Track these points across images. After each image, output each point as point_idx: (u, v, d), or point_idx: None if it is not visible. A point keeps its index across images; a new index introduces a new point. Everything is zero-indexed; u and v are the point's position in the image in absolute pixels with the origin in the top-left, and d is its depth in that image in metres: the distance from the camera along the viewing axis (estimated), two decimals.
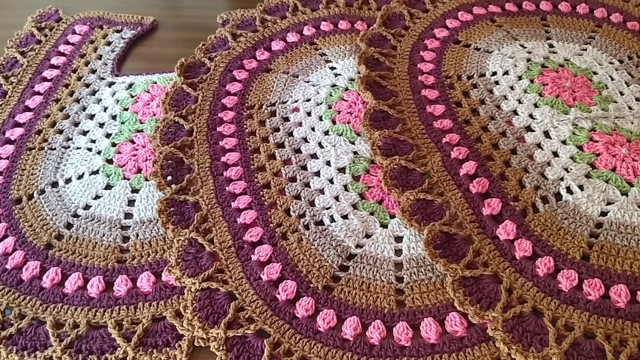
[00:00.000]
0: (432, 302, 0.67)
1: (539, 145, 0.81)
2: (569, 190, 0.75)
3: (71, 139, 0.90)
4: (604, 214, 0.73)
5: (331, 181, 0.80)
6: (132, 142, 0.88)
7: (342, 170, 0.81)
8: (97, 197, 0.82)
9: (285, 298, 0.67)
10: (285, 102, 0.92)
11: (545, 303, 0.64)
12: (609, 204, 0.74)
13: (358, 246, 0.73)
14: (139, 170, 0.84)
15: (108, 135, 0.90)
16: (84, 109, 0.95)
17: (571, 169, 0.77)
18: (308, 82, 0.95)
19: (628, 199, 0.74)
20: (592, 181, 0.76)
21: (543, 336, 0.62)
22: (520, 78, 0.91)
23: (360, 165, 0.81)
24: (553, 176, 0.77)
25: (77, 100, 0.97)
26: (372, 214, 0.76)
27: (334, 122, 0.88)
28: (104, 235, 0.77)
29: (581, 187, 0.75)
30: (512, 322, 0.63)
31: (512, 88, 0.90)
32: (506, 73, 0.92)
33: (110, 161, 0.86)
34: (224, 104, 0.92)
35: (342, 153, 0.83)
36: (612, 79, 0.91)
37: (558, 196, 0.75)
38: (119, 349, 0.66)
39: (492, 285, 0.66)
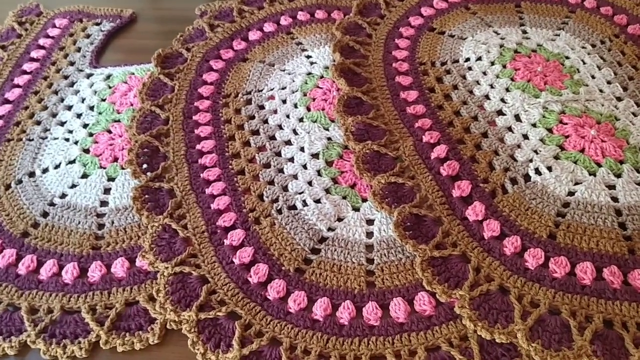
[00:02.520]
0: (401, 283, 0.68)
1: (509, 129, 0.82)
2: (537, 172, 0.76)
3: (49, 130, 0.91)
4: (571, 193, 0.74)
5: (305, 167, 0.81)
6: (109, 132, 0.89)
7: (315, 155, 0.82)
8: (73, 186, 0.83)
9: (257, 281, 0.68)
10: (261, 90, 0.93)
11: (512, 281, 0.65)
12: (576, 184, 0.75)
13: (330, 229, 0.74)
14: (116, 160, 0.85)
15: (85, 126, 0.91)
16: (62, 100, 0.96)
17: (540, 151, 0.78)
18: (284, 70, 0.96)
19: (596, 179, 0.75)
20: (560, 162, 0.77)
21: (509, 313, 0.63)
22: (492, 63, 0.92)
23: (333, 151, 0.82)
24: (522, 158, 0.78)
25: (56, 92, 0.98)
26: (344, 197, 0.77)
27: (308, 109, 0.89)
28: (79, 222, 0.78)
29: (549, 168, 0.76)
30: (479, 300, 0.64)
31: (484, 73, 0.91)
32: (479, 59, 0.93)
33: (87, 151, 0.87)
34: (200, 93, 0.93)
35: (316, 139, 0.84)
36: (584, 63, 0.92)
37: (527, 177, 0.76)
38: (92, 332, 0.67)
39: (461, 264, 0.67)
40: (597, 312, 0.63)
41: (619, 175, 0.75)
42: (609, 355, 0.59)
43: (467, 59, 0.94)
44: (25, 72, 1.02)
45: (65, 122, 0.92)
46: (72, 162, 0.86)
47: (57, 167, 0.85)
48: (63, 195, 0.81)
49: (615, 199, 0.73)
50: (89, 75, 1.00)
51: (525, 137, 0.81)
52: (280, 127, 0.87)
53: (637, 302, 0.63)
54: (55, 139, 0.89)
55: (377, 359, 0.62)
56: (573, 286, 0.65)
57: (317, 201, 0.77)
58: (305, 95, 0.91)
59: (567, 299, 0.64)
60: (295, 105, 0.89)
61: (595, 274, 0.66)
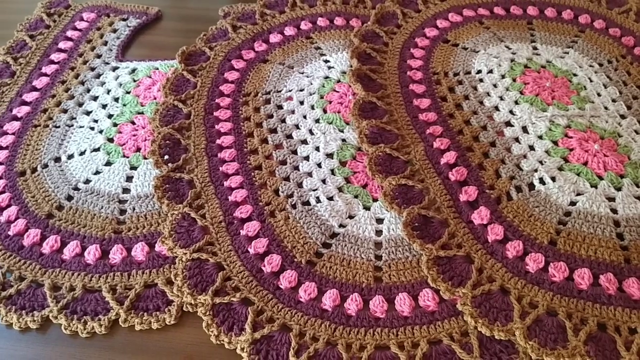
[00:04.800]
0: (407, 279, 0.71)
1: (516, 139, 0.86)
2: (541, 181, 0.80)
3: (75, 118, 0.95)
4: (573, 203, 0.77)
5: (319, 165, 0.84)
6: (133, 123, 0.93)
7: (330, 155, 0.86)
8: (97, 173, 0.86)
9: (270, 270, 0.72)
10: (280, 91, 0.97)
11: (513, 282, 0.69)
12: (578, 194, 0.78)
13: (341, 226, 0.77)
14: (138, 149, 0.89)
15: (110, 116, 0.95)
16: (88, 90, 1.00)
17: (545, 162, 0.82)
18: (302, 73, 1.00)
19: (597, 191, 0.78)
20: (564, 173, 0.80)
21: (508, 312, 0.66)
22: (503, 77, 0.96)
23: (347, 152, 0.86)
24: (528, 168, 0.81)
25: (82, 83, 1.01)
26: (356, 196, 0.81)
27: (325, 111, 0.92)
28: (102, 207, 0.81)
29: (553, 179, 0.80)
30: (481, 299, 0.67)
31: (495, 86, 0.95)
32: (490, 72, 0.97)
33: (111, 140, 0.91)
34: (222, 90, 0.97)
35: (331, 140, 0.87)
36: (591, 81, 0.95)
37: (531, 186, 0.79)
38: (111, 311, 0.70)
39: (464, 265, 0.70)
40: (592, 315, 0.66)
41: (619, 189, 0.79)
42: (602, 356, 0.63)
43: (479, 71, 0.98)
44: (52, 62, 1.06)
45: (90, 112, 0.96)
46: (96, 150, 0.89)
47: (82, 154, 0.89)
48: (87, 181, 0.85)
49: (614, 211, 0.76)
50: (114, 68, 1.04)
51: (532, 148, 0.84)
52: (297, 126, 0.91)
53: (630, 308, 0.67)
54: (81, 127, 0.93)
55: (381, 349, 0.65)
56: (570, 290, 0.68)
57: (330, 198, 0.80)
58: (322, 97, 0.95)
59: (564, 301, 0.67)
60: (312, 107, 0.93)
61: (592, 280, 0.69)
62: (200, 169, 0.84)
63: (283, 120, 0.92)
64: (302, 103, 0.94)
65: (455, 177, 0.80)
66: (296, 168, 0.84)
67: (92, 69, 1.04)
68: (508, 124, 0.89)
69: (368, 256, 0.74)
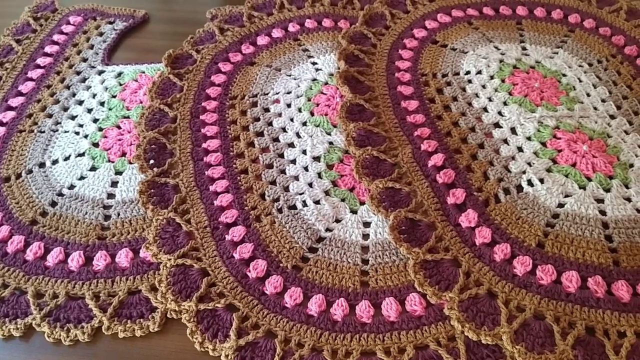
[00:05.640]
0: (394, 283, 0.71)
1: (505, 141, 0.85)
2: (529, 183, 0.79)
3: (60, 123, 0.94)
4: (561, 205, 0.76)
5: (306, 169, 0.84)
6: (118, 127, 0.92)
7: (317, 159, 0.85)
8: (81, 178, 0.85)
9: (255, 276, 0.71)
10: (267, 93, 0.96)
11: (500, 286, 0.68)
12: (566, 196, 0.78)
13: (328, 230, 0.76)
14: (124, 154, 0.88)
15: (95, 120, 0.94)
16: (74, 95, 0.99)
17: (533, 163, 0.81)
18: (290, 75, 0.99)
19: (585, 193, 0.78)
20: (552, 175, 0.80)
21: (496, 316, 0.65)
22: (492, 77, 0.95)
23: (334, 155, 0.85)
24: (516, 169, 0.81)
25: (68, 87, 1.01)
26: (343, 200, 0.80)
27: (312, 114, 0.92)
28: (86, 213, 0.80)
29: (542, 180, 0.79)
30: (468, 303, 0.66)
31: (483, 87, 0.94)
32: (479, 72, 0.96)
33: (96, 145, 0.90)
34: (208, 93, 0.96)
35: (318, 143, 0.87)
36: (581, 81, 0.95)
37: (519, 188, 0.79)
38: (95, 318, 0.69)
39: (452, 268, 0.70)
40: (580, 319, 0.65)
41: (608, 190, 0.78)
42: None
43: (468, 72, 0.97)
44: (38, 67, 1.05)
45: (76, 116, 0.95)
46: (81, 154, 0.88)
47: (66, 159, 0.88)
48: (71, 187, 0.84)
49: (603, 213, 0.76)
50: (100, 72, 1.03)
51: (520, 149, 0.84)
52: (284, 129, 0.90)
53: (619, 311, 0.66)
54: (65, 132, 0.92)
55: (367, 355, 0.65)
56: (558, 293, 0.67)
57: (317, 202, 0.79)
58: (309, 100, 0.94)
59: (552, 305, 0.66)
60: (300, 110, 0.92)
61: (580, 283, 0.68)
62: (185, 173, 0.83)
63: (270, 124, 0.91)
64: (289, 106, 0.93)
65: (442, 180, 0.79)
66: (282, 171, 0.83)
67: (78, 73, 1.03)
68: (497, 125, 0.88)
69: (355, 260, 0.73)
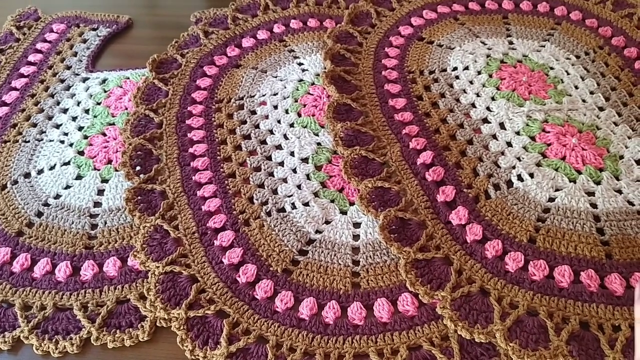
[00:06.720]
0: (386, 284, 0.70)
1: (494, 136, 0.85)
2: (519, 178, 0.78)
3: (44, 132, 0.93)
4: (551, 199, 0.76)
5: (294, 171, 0.83)
6: (104, 134, 0.91)
7: (305, 160, 0.84)
8: (67, 187, 0.84)
9: (245, 281, 0.70)
10: (253, 96, 0.95)
11: (492, 283, 0.67)
12: (557, 190, 0.77)
13: (317, 232, 0.76)
14: (110, 162, 0.87)
15: (80, 128, 0.93)
16: (58, 103, 0.98)
17: (523, 158, 0.81)
18: (276, 77, 0.98)
19: (576, 186, 0.77)
20: (542, 169, 0.79)
21: (489, 314, 0.65)
22: (479, 73, 0.95)
23: (322, 156, 0.84)
24: (505, 165, 0.80)
25: (52, 95, 0.99)
26: (332, 201, 0.79)
27: (299, 115, 0.91)
28: (72, 222, 0.79)
29: (531, 175, 0.78)
30: (460, 301, 0.66)
31: (471, 82, 0.93)
32: (466, 68, 0.96)
33: (81, 153, 0.89)
34: (194, 98, 0.95)
35: (306, 144, 0.86)
36: (568, 74, 0.94)
37: (509, 183, 0.78)
38: (83, 329, 0.68)
39: (443, 267, 0.69)
40: (574, 314, 0.65)
41: (598, 183, 0.78)
42: (585, 355, 0.61)
43: (455, 68, 0.96)
44: (22, 76, 1.04)
45: (60, 125, 0.94)
46: (66, 163, 0.87)
47: (52, 168, 0.87)
48: (57, 196, 0.83)
49: (594, 205, 0.75)
50: (85, 79, 1.02)
51: (509, 144, 0.83)
52: (271, 132, 0.89)
53: (613, 304, 0.65)
54: (50, 141, 0.91)
55: (360, 357, 0.64)
56: (551, 289, 0.67)
57: (306, 204, 0.79)
58: (296, 101, 0.93)
59: (545, 301, 0.66)
60: (287, 111, 0.92)
61: (573, 277, 0.68)
62: (172, 179, 0.82)
63: (257, 126, 0.90)
64: (276, 107, 0.93)
65: (432, 178, 0.78)
66: (271, 174, 0.83)
67: (62, 81, 1.02)
68: (485, 120, 0.87)
69: (345, 262, 0.72)
